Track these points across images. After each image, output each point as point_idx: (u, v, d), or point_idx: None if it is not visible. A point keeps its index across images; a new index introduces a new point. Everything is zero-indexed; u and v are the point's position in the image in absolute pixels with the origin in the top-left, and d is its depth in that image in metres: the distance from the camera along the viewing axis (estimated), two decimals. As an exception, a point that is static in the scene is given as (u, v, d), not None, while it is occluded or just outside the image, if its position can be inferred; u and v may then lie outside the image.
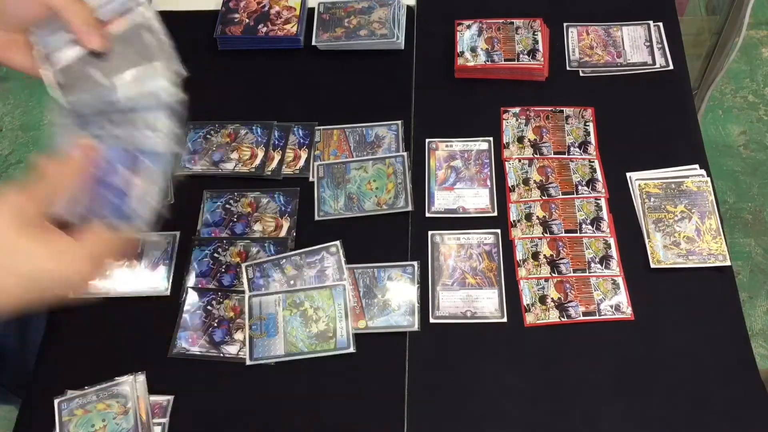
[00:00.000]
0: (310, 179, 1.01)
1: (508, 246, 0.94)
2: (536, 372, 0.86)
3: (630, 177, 0.98)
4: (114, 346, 0.90)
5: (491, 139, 1.03)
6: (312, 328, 0.88)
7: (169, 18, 1.17)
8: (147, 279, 0.94)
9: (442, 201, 0.98)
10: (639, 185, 0.97)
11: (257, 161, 1.02)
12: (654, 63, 1.09)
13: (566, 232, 0.94)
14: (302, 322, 0.88)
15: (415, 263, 0.93)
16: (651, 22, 1.12)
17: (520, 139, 1.02)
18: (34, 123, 2.25)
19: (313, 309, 0.89)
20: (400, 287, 0.91)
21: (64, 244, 0.61)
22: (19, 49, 0.75)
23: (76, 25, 0.72)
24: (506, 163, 1.01)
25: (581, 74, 1.09)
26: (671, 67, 1.09)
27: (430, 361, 0.87)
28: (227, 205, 0.99)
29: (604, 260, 0.92)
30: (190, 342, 0.89)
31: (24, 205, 0.61)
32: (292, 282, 0.91)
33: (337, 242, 0.93)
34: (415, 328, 0.89)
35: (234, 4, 1.17)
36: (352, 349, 0.87)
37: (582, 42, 1.11)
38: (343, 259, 0.92)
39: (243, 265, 0.92)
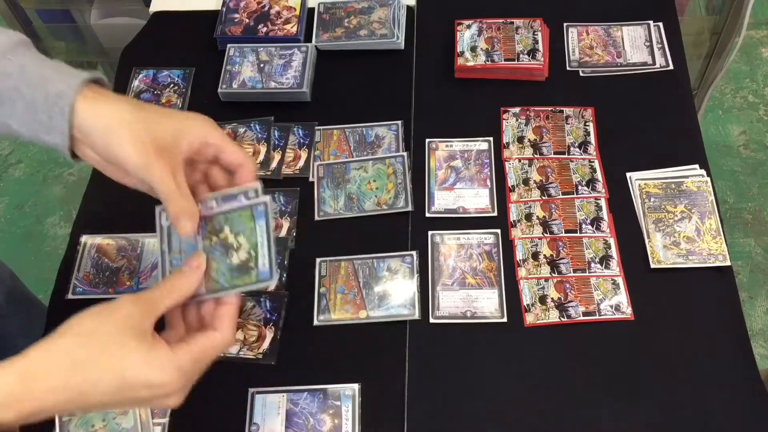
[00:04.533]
0: (310, 179, 1.01)
1: (508, 246, 0.94)
2: (536, 372, 0.86)
3: (630, 177, 0.98)
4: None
5: (491, 139, 1.03)
6: (233, 258, 0.71)
7: (169, 18, 1.19)
8: (146, 279, 0.94)
9: (442, 201, 0.98)
10: (639, 185, 0.97)
11: (261, 157, 1.02)
12: (654, 63, 1.09)
13: (566, 232, 0.94)
14: (222, 252, 0.71)
15: (414, 252, 0.93)
16: (651, 22, 1.12)
17: (520, 139, 1.02)
18: (34, 123, 2.24)
19: (233, 235, 0.72)
20: (400, 277, 0.91)
21: (164, 353, 0.62)
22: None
23: (239, 161, 0.70)
24: (506, 163, 1.01)
25: (581, 74, 1.09)
26: (671, 67, 1.09)
27: (430, 360, 0.87)
28: (227, 205, 0.98)
29: (604, 260, 0.92)
30: (190, 342, 0.88)
31: (136, 315, 0.62)
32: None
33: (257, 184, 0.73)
34: (416, 316, 0.89)
35: (234, 4, 1.17)
36: (274, 282, 0.68)
37: (582, 42, 1.11)
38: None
39: (157, 208, 0.73)
